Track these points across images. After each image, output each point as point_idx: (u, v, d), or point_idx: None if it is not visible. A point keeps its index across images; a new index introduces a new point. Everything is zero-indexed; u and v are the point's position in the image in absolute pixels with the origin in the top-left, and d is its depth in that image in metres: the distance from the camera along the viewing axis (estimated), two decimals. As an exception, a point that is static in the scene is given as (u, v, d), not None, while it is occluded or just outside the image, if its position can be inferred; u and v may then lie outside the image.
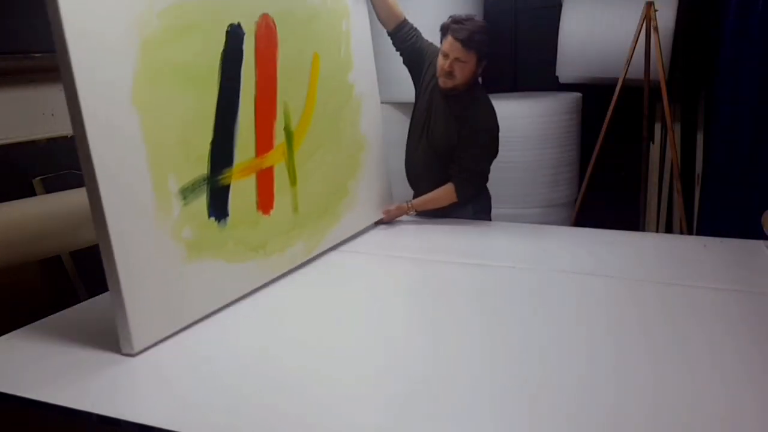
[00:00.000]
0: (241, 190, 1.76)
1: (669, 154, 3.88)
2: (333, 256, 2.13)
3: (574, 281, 1.84)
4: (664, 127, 3.93)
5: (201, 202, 1.63)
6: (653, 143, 3.97)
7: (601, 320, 1.58)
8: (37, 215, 2.37)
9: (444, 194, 2.44)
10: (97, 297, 1.79)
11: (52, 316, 1.66)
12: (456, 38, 2.26)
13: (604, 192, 3.85)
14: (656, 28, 3.26)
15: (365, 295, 1.80)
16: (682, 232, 3.51)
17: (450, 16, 2.34)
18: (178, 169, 1.56)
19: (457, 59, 2.28)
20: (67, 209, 2.46)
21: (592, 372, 1.32)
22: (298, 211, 1.99)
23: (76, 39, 1.32)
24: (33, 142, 2.86)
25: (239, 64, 1.76)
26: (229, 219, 1.71)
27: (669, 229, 4.02)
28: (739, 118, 3.51)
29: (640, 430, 1.12)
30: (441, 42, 2.34)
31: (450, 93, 2.37)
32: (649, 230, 3.82)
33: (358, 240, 2.31)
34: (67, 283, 2.81)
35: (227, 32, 1.71)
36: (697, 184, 3.93)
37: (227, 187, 1.71)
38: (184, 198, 1.57)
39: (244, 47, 1.78)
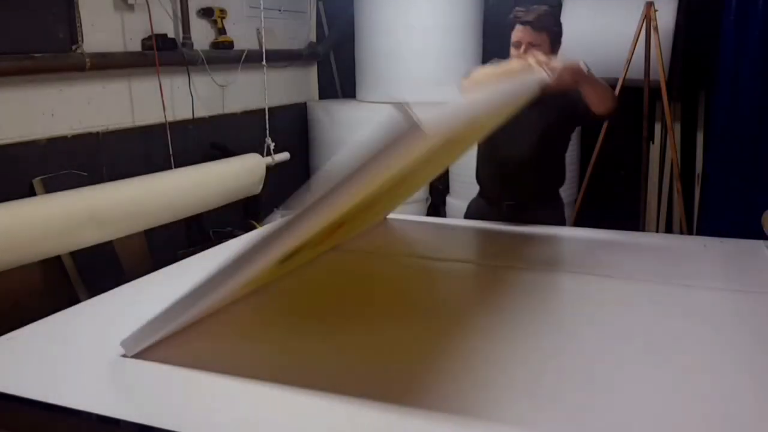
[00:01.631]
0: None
1: (669, 154, 3.88)
2: (332, 255, 2.12)
3: (573, 281, 1.84)
4: (664, 127, 3.93)
5: None
6: (653, 143, 3.97)
7: (600, 320, 1.58)
8: (37, 215, 2.37)
9: (610, 89, 2.26)
10: (97, 297, 1.79)
11: (52, 316, 1.66)
12: (523, 23, 2.23)
13: (604, 192, 3.86)
14: (656, 28, 3.26)
15: (362, 296, 1.80)
16: (682, 232, 3.52)
17: (515, 8, 2.32)
18: None
19: (530, 44, 2.22)
20: (67, 209, 2.47)
21: (591, 372, 1.32)
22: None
23: None
24: (33, 142, 2.86)
25: None
26: None
27: (669, 229, 4.02)
28: (739, 118, 3.51)
29: (640, 430, 1.12)
30: (511, 37, 2.30)
31: None
32: (649, 230, 3.83)
33: (362, 239, 2.31)
34: (67, 283, 2.81)
35: None
36: (697, 184, 3.93)
37: None
38: None
39: None
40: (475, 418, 1.15)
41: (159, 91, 3.36)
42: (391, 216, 2.52)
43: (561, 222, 2.51)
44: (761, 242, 2.11)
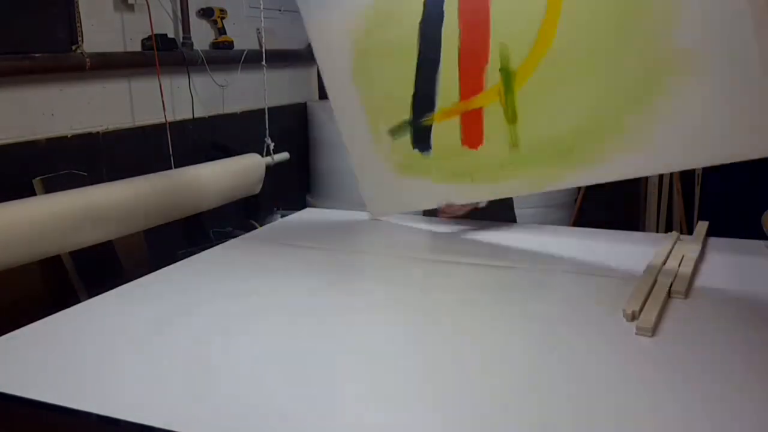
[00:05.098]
0: (444, 129, 2.14)
1: (669, 154, 3.87)
2: (331, 255, 2.13)
3: (573, 281, 1.84)
4: (664, 127, 3.92)
5: (406, 138, 2.21)
6: (653, 143, 3.97)
7: (600, 320, 1.58)
8: (37, 215, 2.37)
9: None
10: (97, 297, 1.79)
11: (52, 316, 1.66)
12: None
13: (604, 192, 3.85)
14: (656, 28, 3.25)
15: (359, 295, 1.80)
16: (682, 232, 3.51)
17: None
18: (387, 117, 2.23)
19: None
20: (67, 209, 2.46)
21: (594, 372, 1.32)
22: (518, 147, 2.03)
23: (319, 51, 2.37)
24: (33, 142, 2.86)
25: (439, 26, 2.05)
26: (432, 151, 2.19)
27: (669, 229, 4.02)
28: (739, 117, 3.50)
29: (643, 430, 1.12)
30: None
31: None
32: (649, 230, 3.82)
33: (354, 238, 2.31)
34: (67, 283, 2.81)
35: (424, 3, 2.05)
36: (697, 184, 3.93)
37: (429, 127, 2.17)
38: (393, 135, 2.23)
39: (445, 8, 2.03)
40: (468, 420, 1.15)
41: (159, 91, 3.36)
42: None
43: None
44: (761, 242, 2.11)
